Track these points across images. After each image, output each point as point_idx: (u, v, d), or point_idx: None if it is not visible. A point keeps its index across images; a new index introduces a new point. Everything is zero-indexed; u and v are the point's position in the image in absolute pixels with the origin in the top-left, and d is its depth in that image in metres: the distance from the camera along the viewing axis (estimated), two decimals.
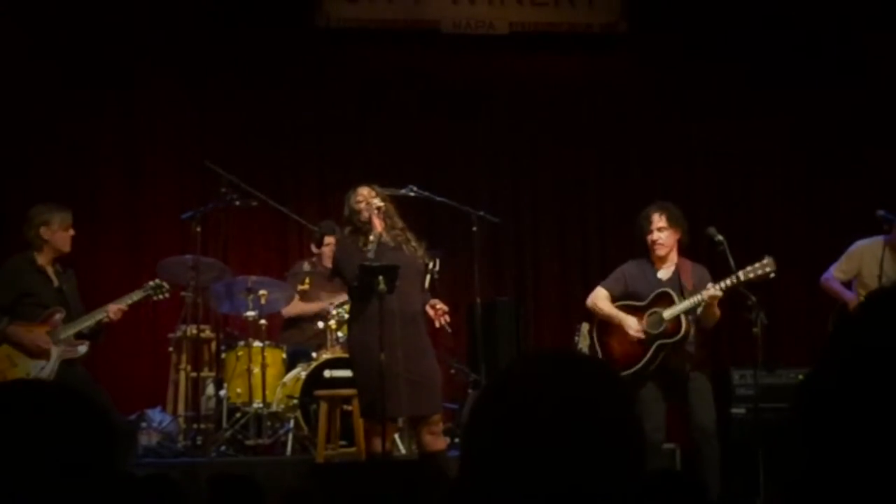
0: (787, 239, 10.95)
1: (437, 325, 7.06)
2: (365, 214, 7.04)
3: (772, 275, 7.28)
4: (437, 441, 6.98)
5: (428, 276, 7.15)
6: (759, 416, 8.02)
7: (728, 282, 7.22)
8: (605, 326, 7.56)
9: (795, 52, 10.88)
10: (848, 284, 8.62)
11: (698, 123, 11.07)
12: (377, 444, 6.91)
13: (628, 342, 7.39)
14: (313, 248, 9.48)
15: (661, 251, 7.46)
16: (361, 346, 6.95)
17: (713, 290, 7.16)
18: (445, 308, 7.05)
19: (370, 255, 6.87)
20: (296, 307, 9.24)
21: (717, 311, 7.32)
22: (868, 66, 10.81)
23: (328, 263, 9.35)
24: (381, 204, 7.05)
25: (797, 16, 10.84)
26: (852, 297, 8.41)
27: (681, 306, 7.27)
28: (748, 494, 7.66)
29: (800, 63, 10.88)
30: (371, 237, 6.95)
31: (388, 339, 6.74)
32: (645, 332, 7.33)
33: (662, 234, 7.43)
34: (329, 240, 9.31)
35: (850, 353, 1.52)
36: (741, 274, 7.22)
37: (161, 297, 8.00)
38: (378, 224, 6.99)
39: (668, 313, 7.30)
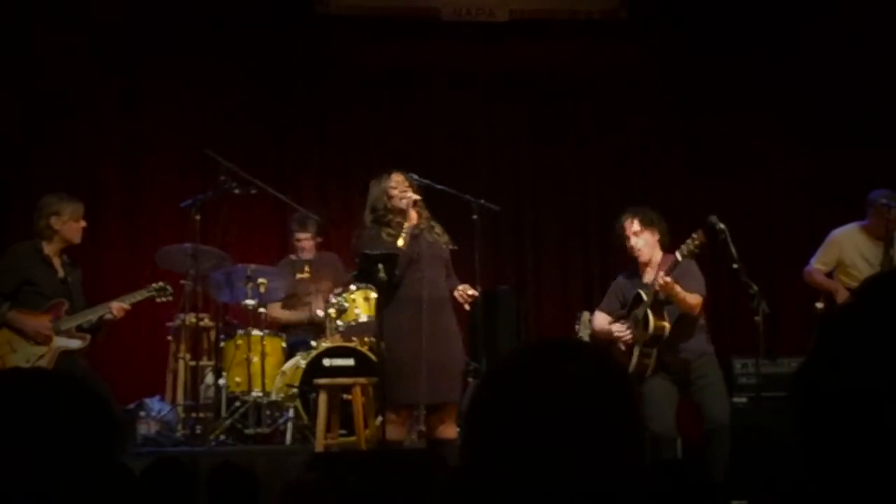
0: (789, 226, 10.95)
1: (467, 308, 7.10)
2: (398, 202, 7.01)
3: (699, 243, 7.02)
4: (449, 429, 7.00)
5: None
6: (761, 405, 8.02)
7: (671, 264, 7.14)
8: (607, 345, 7.54)
9: (798, 43, 10.85)
10: (829, 275, 8.62)
11: (699, 111, 11.05)
12: (391, 430, 6.97)
13: (621, 353, 7.36)
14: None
15: (642, 257, 7.41)
16: (385, 334, 7.00)
17: (659, 279, 7.06)
18: (474, 292, 7.04)
19: (401, 244, 6.89)
20: (278, 313, 9.24)
21: (688, 298, 7.13)
22: (870, 60, 10.78)
23: (304, 257, 9.37)
24: (418, 197, 7.05)
25: (800, 6, 10.81)
26: (837, 286, 8.41)
27: (644, 305, 7.22)
28: (750, 483, 7.65)
29: (802, 54, 10.86)
30: (405, 226, 6.95)
31: (415, 326, 6.82)
32: (630, 332, 7.32)
33: (640, 239, 7.36)
34: (300, 235, 9.33)
35: (844, 341, 1.51)
36: (677, 254, 7.12)
37: (164, 299, 8.06)
38: (414, 216, 6.99)
39: (639, 312, 7.27)
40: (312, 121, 10.82)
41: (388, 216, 7.06)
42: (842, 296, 8.23)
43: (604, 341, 7.51)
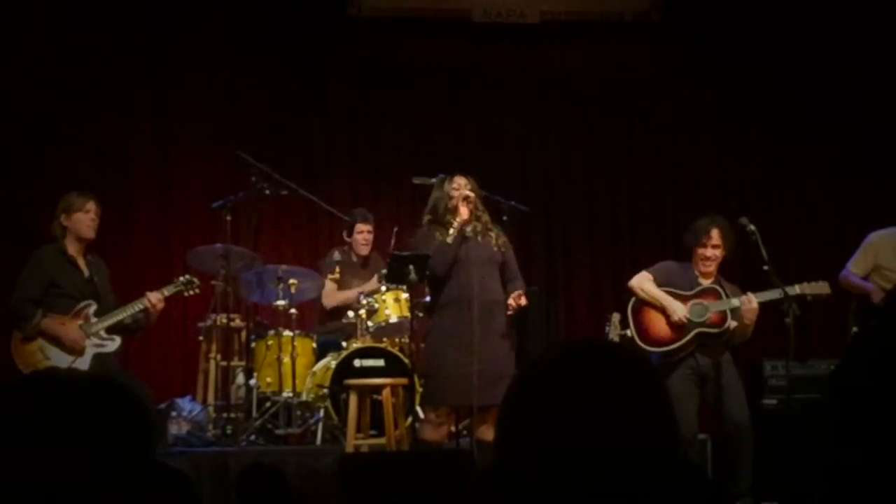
0: (820, 228, 10.90)
1: (509, 313, 7.04)
2: (454, 202, 7.05)
3: (824, 297, 7.42)
4: (492, 431, 6.97)
5: None
6: (791, 407, 7.99)
7: (775, 294, 7.33)
8: (641, 305, 7.61)
9: (829, 45, 10.80)
10: (866, 278, 8.57)
11: (730, 113, 11.01)
12: (429, 431, 7.01)
13: (665, 324, 7.47)
14: (344, 237, 9.48)
15: (709, 268, 7.53)
16: (431, 333, 7.03)
17: (755, 301, 7.28)
18: (524, 302, 7.04)
19: (450, 241, 6.92)
20: (336, 297, 9.23)
21: (750, 329, 7.43)
22: None
23: (361, 252, 9.37)
24: (472, 194, 7.06)
25: (831, 9, 10.76)
26: (873, 288, 8.36)
27: (728, 302, 7.37)
28: (779, 485, 7.63)
29: (833, 56, 10.81)
30: (454, 224, 6.97)
31: (465, 327, 6.83)
32: (687, 319, 7.36)
33: (717, 251, 7.50)
34: (360, 227, 9.33)
35: (879, 344, 1.51)
36: (797, 287, 7.36)
37: (192, 292, 8.01)
38: (465, 212, 7.00)
39: (715, 306, 7.38)
40: (343, 122, 10.82)
41: (446, 217, 7.08)
42: (877, 297, 8.19)
43: (641, 300, 7.61)
